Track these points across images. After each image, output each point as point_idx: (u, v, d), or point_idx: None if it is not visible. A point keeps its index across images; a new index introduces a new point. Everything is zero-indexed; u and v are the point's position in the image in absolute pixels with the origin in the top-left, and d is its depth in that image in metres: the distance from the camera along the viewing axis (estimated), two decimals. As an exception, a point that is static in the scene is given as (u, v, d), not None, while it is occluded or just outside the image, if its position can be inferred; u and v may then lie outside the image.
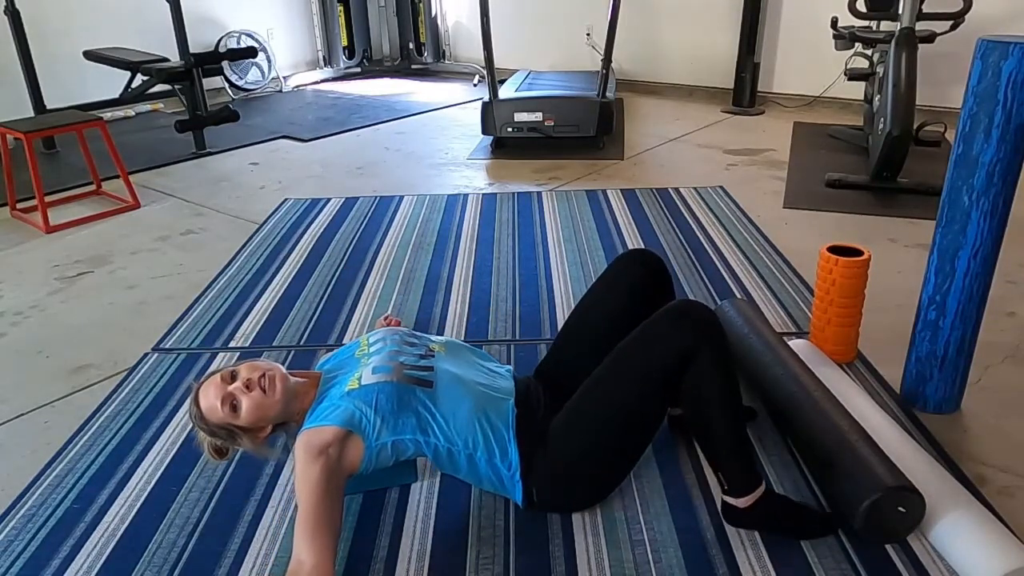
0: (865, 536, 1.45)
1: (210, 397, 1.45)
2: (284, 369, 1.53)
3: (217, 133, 4.70)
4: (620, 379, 1.46)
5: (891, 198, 3.40)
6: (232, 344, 2.31)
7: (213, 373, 1.51)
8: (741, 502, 1.47)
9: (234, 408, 1.45)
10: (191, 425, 1.89)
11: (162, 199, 3.72)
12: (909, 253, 2.84)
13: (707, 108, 5.40)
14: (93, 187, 3.83)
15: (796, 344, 2.02)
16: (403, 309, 2.50)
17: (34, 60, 4.33)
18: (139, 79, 4.41)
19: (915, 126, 3.52)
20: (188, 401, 1.51)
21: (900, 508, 1.42)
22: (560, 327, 1.82)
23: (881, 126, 3.40)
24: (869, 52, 4.19)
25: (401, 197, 3.61)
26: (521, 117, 4.22)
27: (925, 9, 3.56)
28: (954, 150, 1.70)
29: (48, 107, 4.38)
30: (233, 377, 1.47)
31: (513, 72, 5.49)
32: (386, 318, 2.19)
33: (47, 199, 3.45)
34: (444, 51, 6.96)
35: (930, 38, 3.65)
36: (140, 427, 1.92)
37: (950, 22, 3.75)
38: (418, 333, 1.73)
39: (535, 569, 1.44)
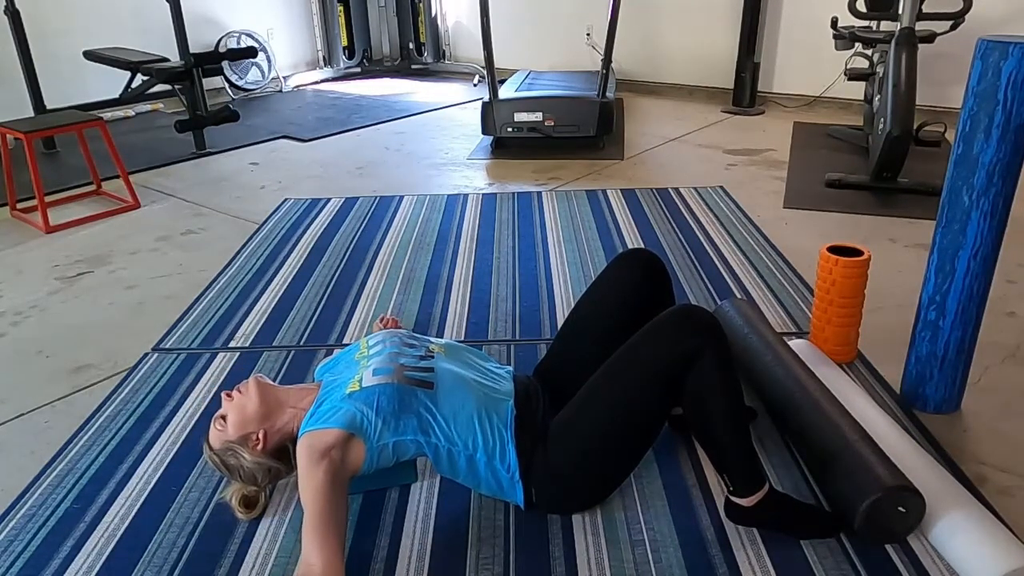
0: (865, 536, 1.45)
1: (210, 432, 1.58)
2: (267, 378, 1.63)
3: (217, 133, 4.70)
4: (622, 380, 1.46)
5: (891, 198, 3.40)
6: (232, 344, 2.31)
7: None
8: (745, 501, 1.47)
9: (223, 419, 1.56)
10: (191, 425, 1.92)
11: (162, 199, 3.72)
12: (909, 253, 2.84)
13: (707, 108, 5.40)
14: (93, 187, 3.83)
15: (796, 344, 2.02)
16: (403, 309, 2.50)
17: (34, 60, 4.33)
18: (139, 79, 4.41)
19: (915, 126, 3.52)
20: (204, 453, 1.60)
21: (900, 508, 1.42)
22: (560, 327, 1.82)
23: (881, 126, 3.40)
24: (869, 52, 4.19)
25: (401, 197, 3.61)
26: (521, 117, 4.21)
27: (925, 9, 3.56)
28: (954, 150, 1.70)
29: (48, 107, 4.38)
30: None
31: (513, 72, 5.49)
32: (383, 319, 2.19)
33: (47, 199, 3.45)
34: (444, 51, 6.96)
35: (930, 38, 3.65)
36: (140, 427, 1.92)
37: (950, 22, 3.75)
38: (417, 335, 1.73)
39: (535, 569, 1.44)
